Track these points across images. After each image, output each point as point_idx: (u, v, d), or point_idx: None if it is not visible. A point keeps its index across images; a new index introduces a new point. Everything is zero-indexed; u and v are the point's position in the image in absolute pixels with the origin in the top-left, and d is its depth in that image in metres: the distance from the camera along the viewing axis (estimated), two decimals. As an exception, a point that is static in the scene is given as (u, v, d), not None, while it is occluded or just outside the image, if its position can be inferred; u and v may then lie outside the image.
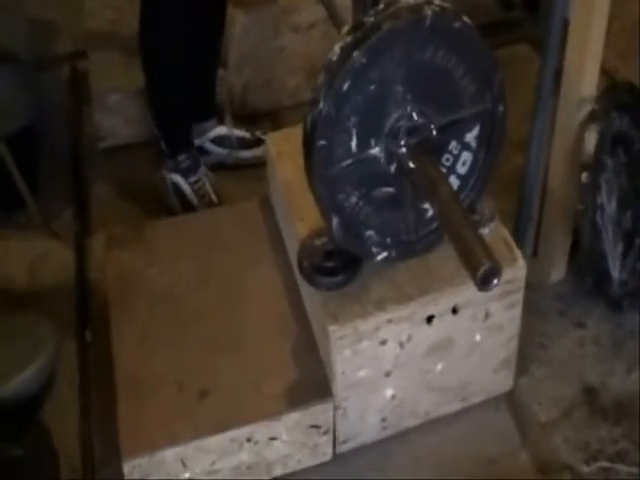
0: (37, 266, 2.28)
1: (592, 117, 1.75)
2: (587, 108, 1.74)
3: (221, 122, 2.54)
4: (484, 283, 1.27)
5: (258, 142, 2.50)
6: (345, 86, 1.41)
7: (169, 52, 2.23)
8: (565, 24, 1.66)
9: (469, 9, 2.99)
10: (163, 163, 2.38)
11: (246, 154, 2.52)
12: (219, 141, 2.52)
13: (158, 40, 2.20)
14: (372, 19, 1.42)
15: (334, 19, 1.89)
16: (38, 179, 2.47)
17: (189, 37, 2.23)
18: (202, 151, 2.49)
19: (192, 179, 2.36)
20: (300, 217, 1.79)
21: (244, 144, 2.53)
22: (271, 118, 2.66)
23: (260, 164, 2.21)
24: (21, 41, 2.93)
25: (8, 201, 2.34)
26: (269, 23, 2.62)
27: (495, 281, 1.27)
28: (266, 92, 2.69)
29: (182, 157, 2.35)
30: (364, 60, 1.40)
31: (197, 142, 2.49)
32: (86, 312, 2.17)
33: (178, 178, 2.36)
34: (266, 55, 2.65)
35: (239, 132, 2.53)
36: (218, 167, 2.50)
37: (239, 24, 2.59)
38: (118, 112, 2.60)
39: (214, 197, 2.37)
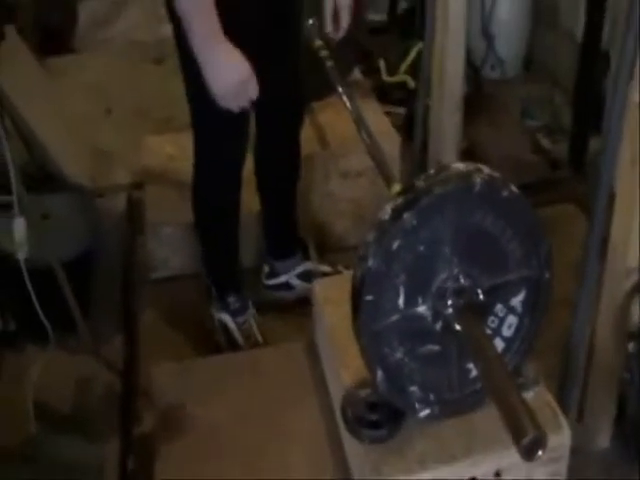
0: (84, 389, 2.33)
1: (638, 287, 1.77)
2: (633, 279, 1.76)
3: (306, 257, 2.61)
4: (528, 453, 1.26)
5: None
6: (395, 245, 1.46)
7: (219, 199, 2.31)
8: (612, 195, 1.70)
9: (516, 168, 3.11)
10: (212, 300, 2.44)
11: None
12: (305, 276, 2.58)
13: (210, 187, 2.28)
14: (423, 183, 1.48)
15: (381, 170, 1.96)
16: (90, 303, 2.54)
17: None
18: (288, 286, 2.57)
19: (240, 319, 2.42)
20: (345, 365, 1.81)
21: None
22: (318, 260, 2.70)
23: None
24: (83, 170, 3.07)
25: (61, 323, 2.37)
26: (319, 168, 2.71)
27: (540, 452, 1.26)
28: (313, 234, 2.75)
29: (231, 298, 2.41)
30: (414, 222, 1.45)
31: (283, 278, 2.58)
32: (130, 440, 2.20)
33: (226, 317, 2.41)
34: (314, 199, 2.75)
35: (324, 267, 2.59)
36: (303, 302, 2.45)
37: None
38: (170, 244, 2.68)
39: (260, 338, 2.41)
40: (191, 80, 2.04)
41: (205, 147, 2.20)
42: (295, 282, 2.58)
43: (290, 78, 2.26)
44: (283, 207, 2.53)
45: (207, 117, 2.09)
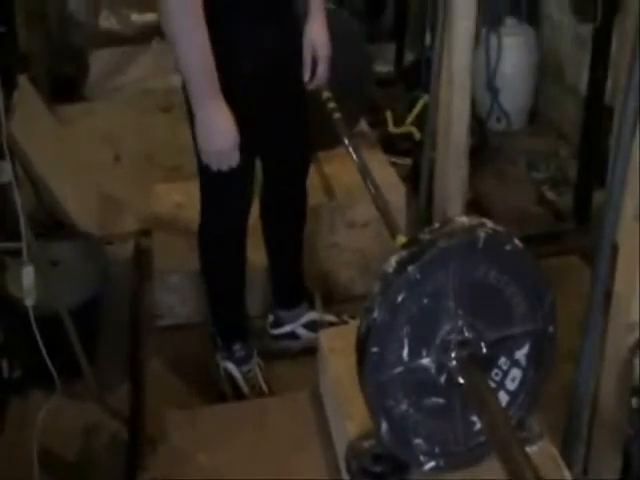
0: (90, 437, 2.33)
1: (641, 344, 1.78)
2: (636, 333, 1.77)
3: (312, 307, 2.62)
4: (531, 507, 1.27)
5: None
6: (399, 297, 1.47)
7: (224, 247, 2.34)
8: (614, 249, 1.72)
9: (521, 219, 3.14)
10: (217, 349, 2.45)
11: None
12: (310, 326, 2.59)
13: (215, 235, 2.32)
14: (428, 236, 1.50)
15: (387, 222, 1.98)
16: (97, 350, 2.55)
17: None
18: (293, 336, 2.58)
19: (245, 368, 2.42)
20: (349, 415, 1.81)
21: None
22: (324, 310, 2.70)
23: None
24: (91, 217, 3.10)
25: (67, 370, 2.37)
26: (326, 218, 2.74)
27: (543, 506, 1.27)
28: (319, 283, 2.76)
29: (236, 347, 2.42)
30: (418, 275, 1.46)
31: (288, 327, 2.59)
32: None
33: (231, 366, 2.42)
34: (320, 249, 2.77)
35: (329, 317, 2.61)
36: (308, 351, 2.47)
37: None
38: (178, 292, 2.70)
39: (264, 387, 2.42)
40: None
41: (210, 196, 2.24)
42: (301, 332, 2.59)
43: (296, 127, 2.29)
44: (289, 255, 2.55)
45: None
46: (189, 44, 1.84)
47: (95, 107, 4.01)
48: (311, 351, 2.19)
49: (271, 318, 2.61)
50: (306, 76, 2.24)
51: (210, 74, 1.88)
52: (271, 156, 2.28)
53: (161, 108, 3.91)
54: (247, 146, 2.01)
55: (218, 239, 2.31)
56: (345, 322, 2.54)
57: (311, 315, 2.60)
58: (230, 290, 2.41)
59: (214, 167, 1.99)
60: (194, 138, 2.08)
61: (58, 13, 4.32)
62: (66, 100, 3.97)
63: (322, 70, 2.25)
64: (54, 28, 4.28)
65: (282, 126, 2.20)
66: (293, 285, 2.59)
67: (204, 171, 2.12)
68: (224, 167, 1.99)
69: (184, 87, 2.02)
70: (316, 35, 2.23)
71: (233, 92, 1.93)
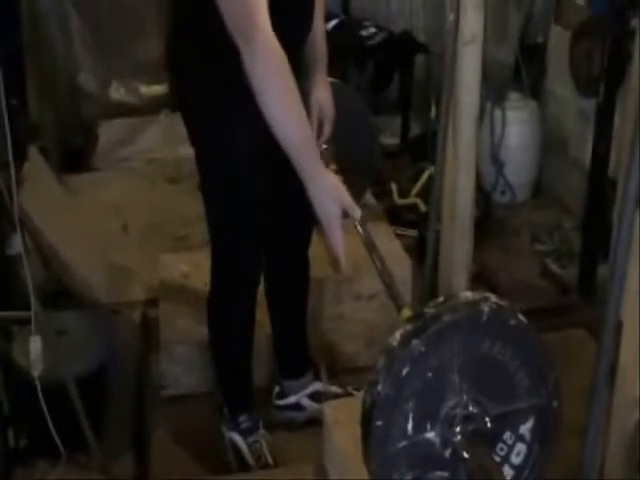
0: (94, 507, 2.32)
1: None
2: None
3: (317, 377, 2.62)
4: None
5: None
6: (404, 371, 1.48)
7: (234, 317, 2.35)
8: (619, 324, 1.73)
9: (526, 293, 3.14)
10: (223, 419, 2.44)
11: None
12: (315, 397, 2.58)
13: (225, 304, 2.33)
14: (432, 310, 1.51)
15: (392, 295, 1.99)
16: (103, 420, 2.53)
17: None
18: (298, 407, 2.57)
19: (250, 439, 2.41)
20: (354, 489, 1.81)
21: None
22: (330, 381, 2.67)
23: None
24: (99, 285, 3.11)
25: (72, 441, 2.37)
26: (331, 290, 2.75)
27: None
28: (326, 355, 2.76)
29: (242, 418, 2.41)
30: (423, 349, 1.48)
31: (293, 399, 2.58)
32: None
33: (237, 437, 2.41)
34: (326, 320, 2.77)
35: (334, 388, 2.60)
36: (313, 422, 2.50)
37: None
38: (183, 362, 2.70)
39: (270, 459, 2.40)
40: (211, 200, 2.16)
41: (222, 264, 2.26)
42: (305, 402, 2.58)
43: (300, 198, 2.32)
44: (293, 326, 2.56)
45: (225, 235, 2.18)
46: (288, 121, 1.85)
47: (103, 177, 4.05)
48: (316, 422, 2.19)
49: (277, 389, 2.61)
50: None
51: (312, 142, 1.91)
52: (277, 226, 2.31)
53: (168, 179, 3.96)
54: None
55: (228, 308, 2.33)
56: (350, 394, 2.54)
57: (316, 386, 2.59)
58: (239, 360, 2.41)
59: (338, 222, 1.96)
60: (207, 209, 2.14)
61: (68, 84, 4.40)
62: (75, 170, 4.02)
63: (328, 130, 2.32)
64: (64, 99, 4.35)
65: (284, 196, 2.23)
66: (297, 356, 2.60)
67: (218, 239, 2.15)
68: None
69: (198, 160, 2.07)
70: (321, 96, 2.29)
71: (231, 157, 1.97)
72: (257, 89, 1.79)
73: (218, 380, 2.45)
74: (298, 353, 2.60)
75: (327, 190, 1.90)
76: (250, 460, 2.40)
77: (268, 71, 1.80)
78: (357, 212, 1.95)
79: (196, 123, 2.14)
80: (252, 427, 2.43)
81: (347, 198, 1.92)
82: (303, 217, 2.38)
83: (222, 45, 1.81)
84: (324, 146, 2.44)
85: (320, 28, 2.26)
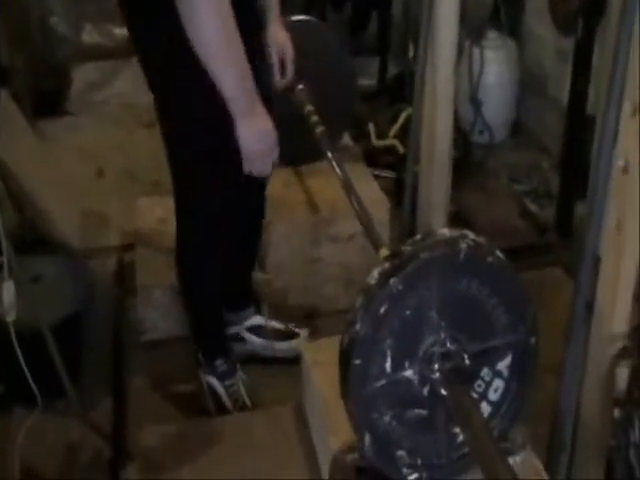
0: (72, 454, 2.32)
1: (624, 353, 1.78)
2: (619, 344, 1.77)
3: (258, 312, 2.61)
4: (514, 519, 1.27)
5: (292, 335, 2.59)
6: (382, 310, 1.47)
7: (204, 268, 2.32)
8: (597, 261, 1.72)
9: (504, 232, 3.14)
10: (200, 364, 2.44)
11: (281, 346, 2.58)
12: (256, 330, 2.59)
13: (193, 256, 2.31)
14: (410, 248, 1.50)
15: (370, 236, 1.98)
16: (79, 367, 2.53)
17: (225, 246, 2.33)
18: (238, 339, 2.56)
19: (228, 382, 2.41)
20: (333, 429, 1.81)
21: (279, 336, 2.60)
22: (308, 323, 2.71)
23: (294, 358, 2.28)
24: (74, 231, 3.08)
25: (48, 387, 2.35)
26: (308, 233, 2.73)
27: (525, 518, 1.27)
28: (304, 298, 2.77)
29: (219, 362, 2.41)
30: (400, 287, 1.46)
31: (234, 329, 2.57)
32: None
33: (214, 381, 2.41)
34: (304, 263, 2.76)
35: (275, 323, 2.61)
36: (253, 359, 2.56)
37: (278, 232, 2.71)
38: (160, 307, 2.69)
39: (248, 401, 2.41)
40: (177, 146, 2.14)
41: (192, 209, 2.24)
42: (246, 335, 2.58)
43: None
44: (243, 261, 2.55)
45: (196, 176, 2.15)
46: (226, 60, 1.82)
47: (77, 122, 4.00)
48: (295, 362, 2.19)
49: None
50: (276, 76, 2.32)
51: (250, 82, 1.88)
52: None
53: (143, 124, 3.90)
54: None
55: (202, 255, 2.30)
56: (291, 330, 2.58)
57: (256, 319, 2.59)
58: (212, 303, 2.40)
59: (258, 170, 2.00)
60: (169, 156, 2.12)
61: (40, 28, 4.31)
62: (48, 115, 3.96)
63: (291, 69, 2.32)
64: (36, 43, 4.27)
65: None
66: (241, 289, 2.59)
67: (187, 182, 2.15)
68: (268, 168, 2.02)
69: (157, 106, 2.05)
70: (280, 37, 2.28)
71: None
72: (193, 26, 1.75)
73: (191, 326, 2.45)
74: (242, 287, 2.59)
75: (257, 134, 1.92)
76: (228, 403, 2.40)
77: (208, 10, 1.75)
78: (275, 159, 2.00)
79: (151, 69, 2.07)
80: (229, 370, 2.42)
81: (274, 153, 1.97)
82: None
83: None
84: (300, 86, 2.42)
85: None
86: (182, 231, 2.28)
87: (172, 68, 1.96)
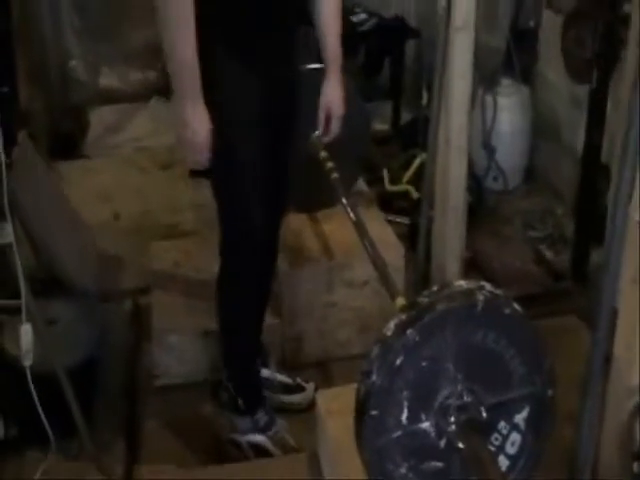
0: (84, 497, 2.30)
1: (640, 409, 1.77)
2: (637, 397, 1.76)
3: (265, 365, 2.59)
4: None
5: (299, 388, 2.57)
6: (398, 361, 1.47)
7: (246, 301, 2.32)
8: (614, 313, 1.72)
9: (519, 279, 3.13)
10: (235, 424, 2.41)
11: (287, 399, 2.56)
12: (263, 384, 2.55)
13: (238, 284, 2.30)
14: (426, 299, 1.50)
15: (385, 282, 1.99)
16: (93, 410, 2.52)
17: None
18: None
19: (271, 432, 2.39)
20: (347, 478, 1.81)
21: (286, 389, 2.58)
22: (322, 369, 2.71)
23: (299, 410, 2.32)
24: (90, 274, 3.09)
25: (62, 429, 2.35)
26: (323, 278, 2.74)
27: None
28: (318, 343, 2.77)
29: (260, 414, 2.39)
30: (417, 338, 1.47)
31: None
32: None
33: (256, 437, 2.38)
34: (318, 308, 2.75)
35: (281, 377, 2.59)
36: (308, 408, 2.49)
37: (294, 277, 2.71)
38: (175, 351, 2.68)
39: (293, 442, 2.39)
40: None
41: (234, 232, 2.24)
42: None
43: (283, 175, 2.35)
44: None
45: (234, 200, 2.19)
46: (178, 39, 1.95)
47: (94, 165, 4.02)
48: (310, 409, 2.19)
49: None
50: (320, 132, 2.34)
51: (196, 71, 1.97)
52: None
53: (159, 166, 3.93)
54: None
55: (243, 283, 2.30)
56: (299, 385, 2.57)
57: (263, 372, 2.56)
58: (252, 351, 2.41)
59: (187, 157, 2.11)
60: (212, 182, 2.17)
61: (59, 71, 4.37)
62: (66, 157, 3.99)
63: (335, 128, 2.33)
64: (54, 86, 4.32)
65: (271, 166, 2.21)
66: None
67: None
68: (196, 163, 2.10)
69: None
70: (331, 96, 2.30)
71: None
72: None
73: (231, 379, 2.40)
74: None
75: (183, 121, 2.01)
76: (276, 452, 2.37)
77: None
78: (203, 161, 2.07)
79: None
80: (270, 420, 2.40)
81: (199, 151, 2.05)
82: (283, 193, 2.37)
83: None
84: (316, 133, 2.43)
85: (332, 27, 2.27)
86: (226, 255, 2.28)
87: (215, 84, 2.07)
